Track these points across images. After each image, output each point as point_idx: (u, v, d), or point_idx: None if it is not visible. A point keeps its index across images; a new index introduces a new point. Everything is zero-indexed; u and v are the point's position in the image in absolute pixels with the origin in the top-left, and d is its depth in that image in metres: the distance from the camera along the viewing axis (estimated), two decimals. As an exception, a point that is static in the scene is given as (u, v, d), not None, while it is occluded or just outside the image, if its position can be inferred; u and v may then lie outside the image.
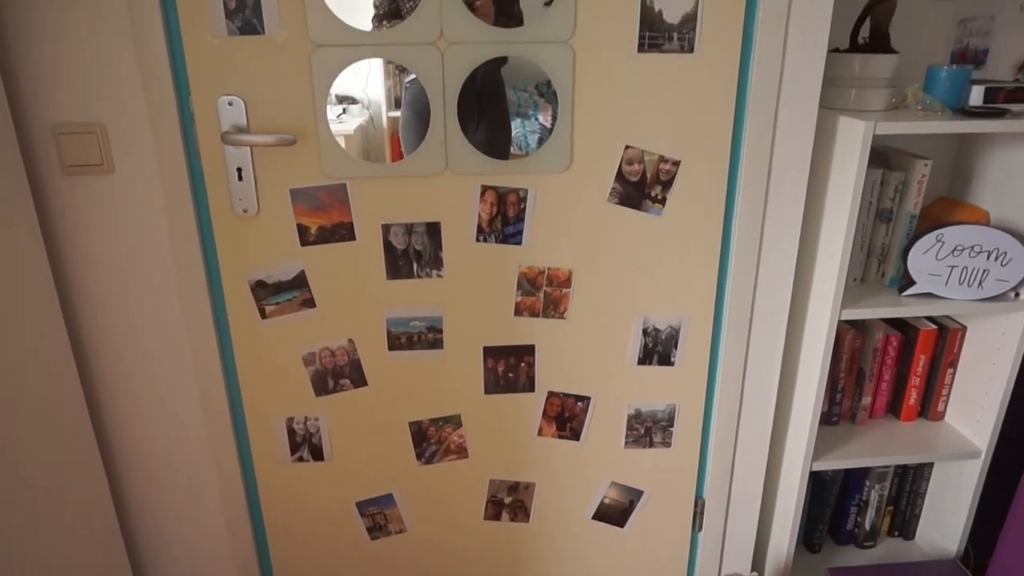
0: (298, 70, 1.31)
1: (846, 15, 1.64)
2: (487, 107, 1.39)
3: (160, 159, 1.34)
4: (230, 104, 1.32)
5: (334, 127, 1.36)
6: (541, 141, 1.42)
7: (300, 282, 1.47)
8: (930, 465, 1.89)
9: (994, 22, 1.73)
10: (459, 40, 1.32)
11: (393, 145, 1.43)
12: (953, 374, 1.78)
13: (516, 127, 1.43)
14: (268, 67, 1.30)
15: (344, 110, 1.39)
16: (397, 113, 1.41)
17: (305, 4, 1.27)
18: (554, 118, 1.39)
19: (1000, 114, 1.47)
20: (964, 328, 1.75)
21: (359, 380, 1.57)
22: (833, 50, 1.53)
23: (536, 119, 1.43)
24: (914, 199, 1.60)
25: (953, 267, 1.57)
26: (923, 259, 1.57)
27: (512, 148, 1.44)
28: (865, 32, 1.57)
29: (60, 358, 1.40)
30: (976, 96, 1.52)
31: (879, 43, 1.53)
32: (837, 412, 1.80)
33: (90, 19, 1.26)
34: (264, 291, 1.47)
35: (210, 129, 1.33)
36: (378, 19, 1.30)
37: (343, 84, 1.34)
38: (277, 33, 1.28)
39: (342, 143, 1.38)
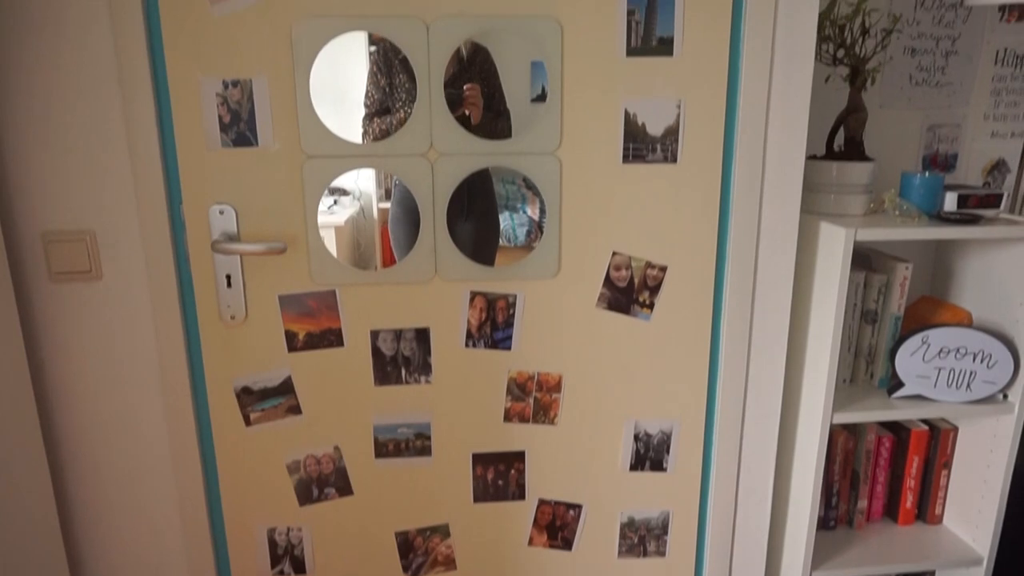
0: (290, 180, 1.32)
1: (821, 123, 1.69)
2: (476, 202, 1.40)
3: (148, 266, 1.32)
4: (221, 213, 1.31)
5: (325, 218, 1.36)
6: (529, 234, 1.42)
7: (286, 388, 1.43)
8: (931, 573, 1.82)
9: (961, 129, 1.78)
10: (449, 152, 1.34)
11: (383, 237, 1.43)
12: (948, 476, 1.74)
13: (504, 220, 1.44)
14: (260, 177, 1.31)
15: (335, 201, 1.40)
16: (387, 204, 1.41)
17: (299, 117, 1.29)
18: (542, 211, 1.39)
19: (974, 220, 1.49)
20: (956, 428, 1.72)
21: (344, 488, 1.50)
22: (811, 157, 1.57)
23: (524, 211, 1.44)
24: (897, 301, 1.60)
25: (940, 369, 1.56)
26: (910, 361, 1.56)
27: (501, 240, 1.44)
28: (840, 140, 1.61)
29: (33, 467, 1.33)
30: (950, 202, 1.55)
31: (854, 151, 1.57)
32: (834, 516, 1.73)
33: (85, 129, 1.27)
34: (250, 397, 1.43)
35: (201, 237, 1.33)
36: (368, 118, 1.32)
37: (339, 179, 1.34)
38: (270, 145, 1.30)
39: (333, 235, 1.37)
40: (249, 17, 1.24)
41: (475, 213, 1.41)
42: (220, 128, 1.27)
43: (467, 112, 1.32)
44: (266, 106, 1.27)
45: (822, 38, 1.51)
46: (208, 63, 1.25)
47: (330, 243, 1.46)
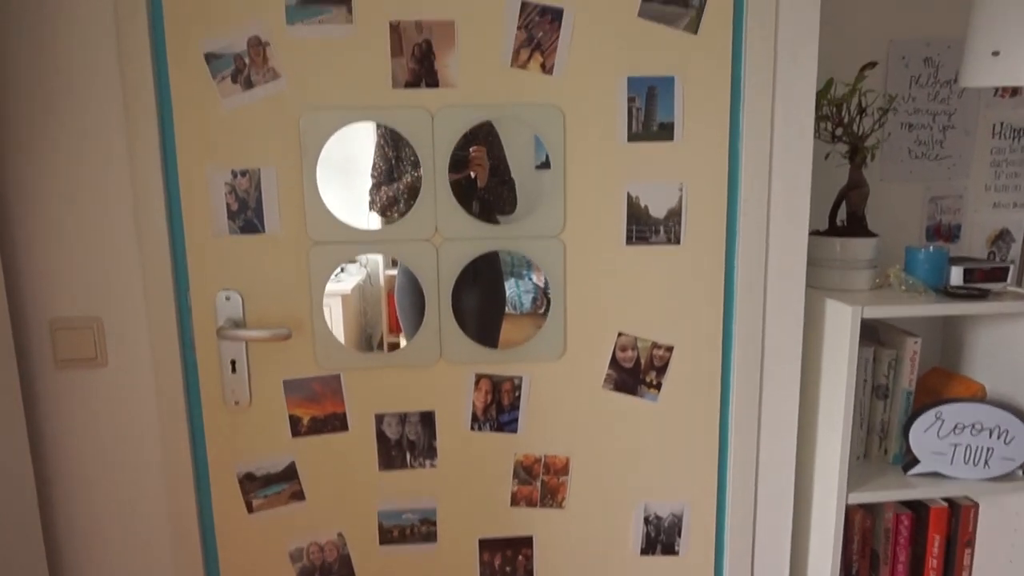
0: (296, 266, 1.31)
1: (823, 198, 1.68)
2: (482, 278, 1.39)
3: (154, 352, 1.31)
4: (227, 299, 1.31)
5: (331, 287, 1.35)
6: (535, 301, 1.40)
7: (290, 474, 1.40)
8: (959, 657, 1.72)
9: (963, 200, 1.77)
10: (453, 236, 1.33)
11: (390, 304, 1.41)
12: (972, 555, 1.66)
13: (510, 287, 1.42)
14: (266, 263, 1.31)
15: (342, 269, 1.38)
16: (394, 271, 1.40)
17: (305, 205, 1.29)
18: (547, 279, 1.38)
19: (982, 294, 1.46)
20: (976, 505, 1.65)
21: (348, 576, 1.45)
22: (813, 232, 1.56)
23: (530, 279, 1.42)
24: (908, 376, 1.56)
25: (956, 445, 1.51)
26: (925, 437, 1.51)
27: (507, 308, 1.43)
28: (842, 214, 1.60)
29: (32, 554, 1.28)
30: (956, 276, 1.52)
31: (857, 226, 1.56)
32: (854, 600, 1.65)
33: (95, 216, 1.27)
34: (252, 484, 1.39)
35: (206, 323, 1.32)
36: (376, 187, 1.32)
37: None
38: (277, 231, 1.30)
39: (339, 303, 1.36)
40: (258, 110, 1.26)
41: (481, 289, 1.40)
42: (228, 215, 1.28)
43: (472, 174, 1.32)
44: (273, 194, 1.28)
45: (820, 117, 1.52)
46: (217, 154, 1.26)
47: (336, 312, 1.45)
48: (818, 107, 1.49)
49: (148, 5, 1.21)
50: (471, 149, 1.31)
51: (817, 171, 1.66)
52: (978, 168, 1.75)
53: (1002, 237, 1.81)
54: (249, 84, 1.24)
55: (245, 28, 1.23)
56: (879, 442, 1.62)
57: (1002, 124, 1.74)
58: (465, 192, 1.33)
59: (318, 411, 1.37)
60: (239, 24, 1.22)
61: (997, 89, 1.72)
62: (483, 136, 1.32)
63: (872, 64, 1.52)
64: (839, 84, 1.55)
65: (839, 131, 1.55)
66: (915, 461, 1.52)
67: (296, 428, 1.38)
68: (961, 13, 1.64)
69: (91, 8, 1.21)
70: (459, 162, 1.32)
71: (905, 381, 1.57)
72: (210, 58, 1.23)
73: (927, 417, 1.51)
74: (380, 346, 1.43)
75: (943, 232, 1.79)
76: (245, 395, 1.35)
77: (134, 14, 1.20)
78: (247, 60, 1.23)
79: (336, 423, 1.38)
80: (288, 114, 1.26)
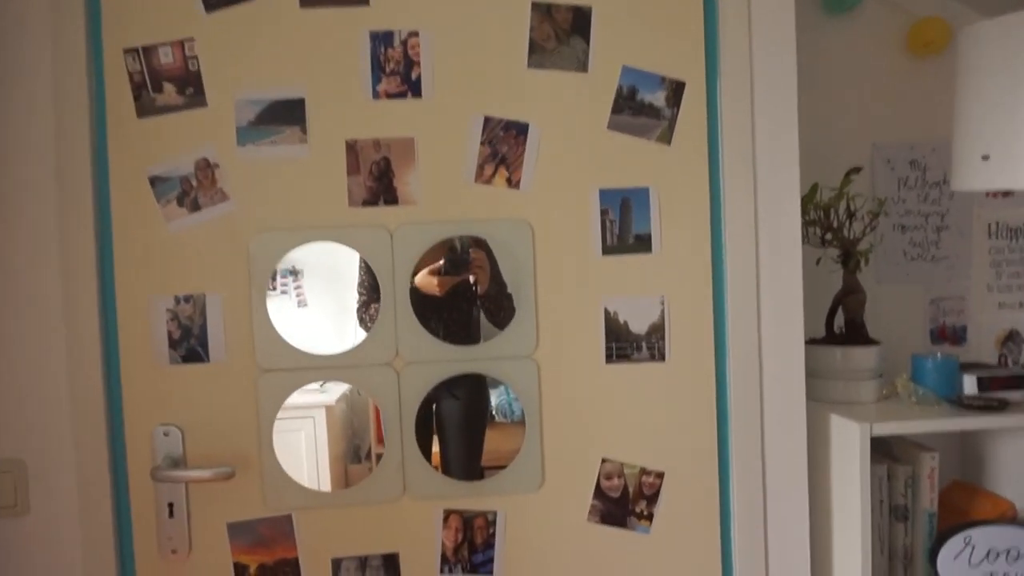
0: (243, 397, 1.20)
1: (816, 304, 1.56)
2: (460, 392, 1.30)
3: (81, 497, 1.16)
4: (166, 435, 1.18)
5: (314, 398, 1.26)
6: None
7: (234, 635, 1.21)
8: None
9: (965, 302, 1.66)
10: (416, 359, 1.22)
11: (376, 412, 1.29)
12: None
13: (499, 395, 1.33)
14: (210, 395, 1.20)
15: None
16: None
17: (253, 330, 1.19)
18: (521, 405, 1.26)
19: (1000, 405, 1.32)
20: (1020, 646, 1.43)
21: None
22: (810, 341, 1.43)
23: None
24: (928, 495, 1.39)
25: (992, 574, 1.32)
26: (955, 566, 1.33)
27: (497, 417, 1.34)
28: (840, 321, 1.48)
29: None
30: (970, 385, 1.40)
31: (856, 334, 1.44)
32: None
33: (21, 347, 1.17)
34: (190, 647, 1.20)
35: (142, 463, 1.19)
36: (364, 306, 1.27)
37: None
38: (222, 359, 1.19)
39: (323, 415, 1.29)
40: (205, 232, 1.18)
41: (462, 407, 1.30)
42: (169, 344, 1.18)
43: (473, 278, 1.25)
44: (219, 320, 1.18)
45: (807, 222, 1.43)
46: (160, 278, 1.18)
47: (320, 424, 1.36)
48: (804, 211, 1.41)
49: (91, 125, 1.15)
50: (471, 251, 1.24)
51: (808, 277, 1.56)
52: (978, 269, 1.64)
53: (1012, 338, 1.68)
54: (196, 207, 1.17)
55: (194, 150, 1.17)
56: (903, 570, 1.42)
57: (997, 224, 1.64)
58: (462, 300, 1.26)
59: (267, 557, 1.21)
60: (187, 146, 1.17)
61: (988, 190, 1.64)
62: (478, 245, 1.25)
63: (857, 169, 1.45)
64: (824, 189, 1.47)
65: (828, 236, 1.45)
66: (947, 595, 1.33)
67: (242, 579, 1.21)
68: (943, 115, 1.58)
69: (32, 124, 1.15)
70: (457, 264, 1.24)
71: (926, 500, 1.39)
72: (155, 181, 1.16)
73: (955, 543, 1.33)
74: (368, 457, 1.34)
75: (948, 334, 1.66)
76: (184, 543, 1.19)
77: (75, 134, 1.14)
78: (194, 182, 1.16)
79: (287, 570, 1.22)
80: (237, 237, 1.18)
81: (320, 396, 1.28)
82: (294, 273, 1.32)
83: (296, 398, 1.22)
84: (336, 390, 1.31)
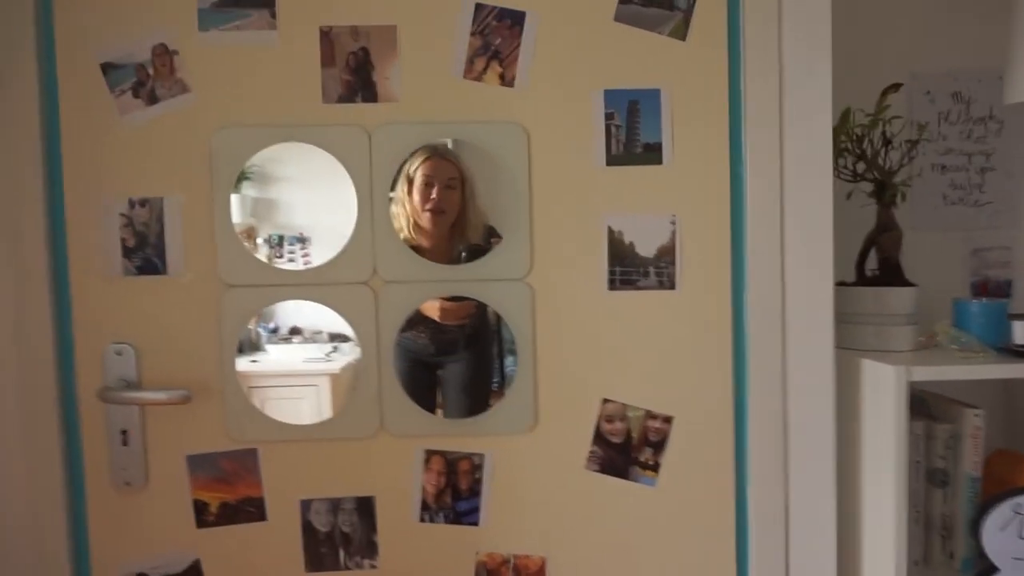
0: (203, 315, 1.08)
1: (846, 244, 1.39)
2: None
3: (26, 421, 1.05)
4: (119, 354, 1.07)
5: (318, 366, 1.15)
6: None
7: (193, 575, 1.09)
8: None
9: (1012, 252, 1.47)
10: (395, 279, 1.09)
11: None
12: None
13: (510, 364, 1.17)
14: (168, 311, 1.08)
15: (335, 348, 1.18)
16: None
17: (216, 240, 1.07)
18: (512, 333, 1.12)
19: (1057, 354, 1.14)
20: (1074, 629, 1.24)
21: None
22: (839, 283, 1.26)
23: None
24: (971, 457, 1.22)
25: (1044, 548, 1.14)
26: (1002, 537, 1.16)
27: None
28: (872, 263, 1.31)
29: None
30: (1021, 333, 1.21)
31: (892, 275, 1.27)
32: None
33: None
34: (145, 588, 1.08)
35: (92, 384, 1.07)
36: None
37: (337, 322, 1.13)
38: (181, 272, 1.07)
39: (328, 383, 1.15)
40: (163, 128, 1.07)
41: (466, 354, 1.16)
42: (122, 253, 1.06)
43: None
44: (178, 228, 1.06)
45: (838, 151, 1.26)
46: (113, 179, 1.06)
47: (324, 393, 1.24)
48: (835, 141, 1.25)
49: (36, 3, 1.03)
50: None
51: (838, 214, 1.40)
52: (1029, 215, 1.46)
53: (1064, 296, 1.49)
54: (153, 99, 1.05)
55: (150, 34, 1.05)
56: (941, 543, 1.25)
57: (1050, 163, 1.46)
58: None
59: (229, 495, 1.10)
60: (143, 29, 1.04)
61: (1042, 124, 1.45)
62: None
63: (896, 86, 1.27)
64: (857, 114, 1.30)
65: (861, 167, 1.28)
66: (992, 568, 1.15)
67: (202, 516, 1.10)
68: (990, 40, 1.40)
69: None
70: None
71: (968, 464, 1.22)
72: (107, 68, 1.04)
73: (1002, 512, 1.16)
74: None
75: (991, 290, 1.48)
76: (139, 474, 1.08)
77: (15, 8, 1.02)
78: (151, 71, 1.05)
79: (252, 510, 1.11)
80: (198, 133, 1.07)
81: (325, 364, 1.17)
82: (301, 240, 1.21)
83: (300, 366, 1.14)
84: (343, 359, 1.20)
